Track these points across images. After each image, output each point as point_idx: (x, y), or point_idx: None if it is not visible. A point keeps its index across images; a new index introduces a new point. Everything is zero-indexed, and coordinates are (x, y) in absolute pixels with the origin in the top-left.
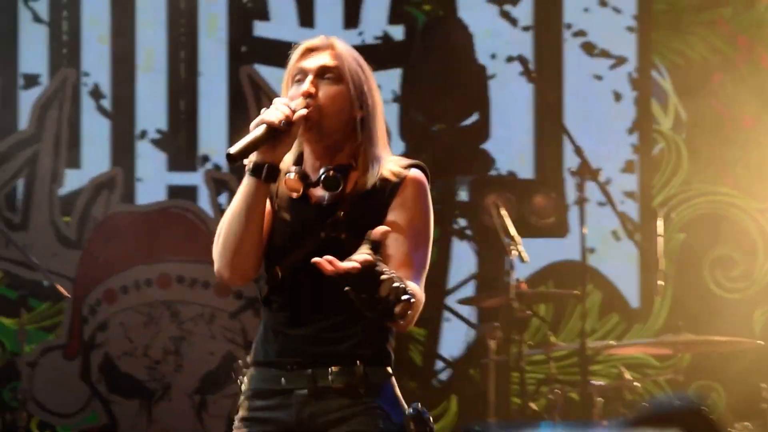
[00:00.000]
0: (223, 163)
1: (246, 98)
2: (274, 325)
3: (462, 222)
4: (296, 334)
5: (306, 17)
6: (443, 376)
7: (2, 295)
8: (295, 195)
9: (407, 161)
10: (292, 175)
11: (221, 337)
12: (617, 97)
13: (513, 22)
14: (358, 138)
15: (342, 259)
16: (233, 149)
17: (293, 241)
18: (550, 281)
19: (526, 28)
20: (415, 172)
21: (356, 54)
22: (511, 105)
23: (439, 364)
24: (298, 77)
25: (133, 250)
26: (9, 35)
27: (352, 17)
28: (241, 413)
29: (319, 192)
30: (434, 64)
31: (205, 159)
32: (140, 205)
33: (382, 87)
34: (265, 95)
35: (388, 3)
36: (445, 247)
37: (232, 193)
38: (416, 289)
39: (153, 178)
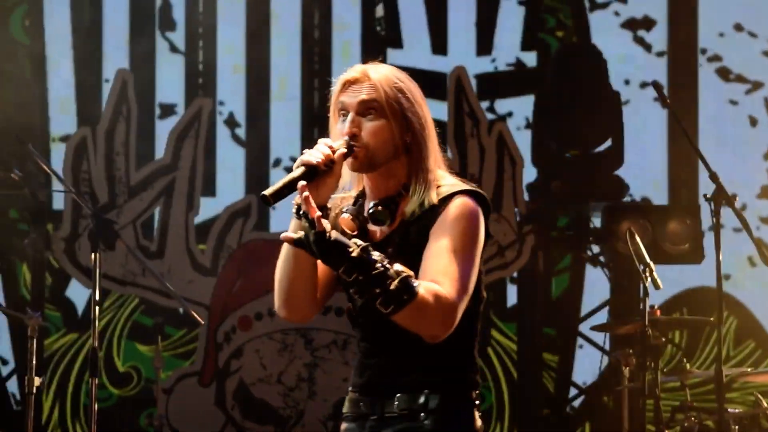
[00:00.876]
0: None
1: None
2: (359, 354)
3: (595, 248)
4: (371, 363)
5: (439, 44)
6: (576, 403)
7: (139, 322)
8: (351, 233)
9: (462, 186)
10: (346, 215)
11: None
12: (753, 122)
13: (647, 47)
14: (406, 167)
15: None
16: (268, 190)
17: None
18: (685, 308)
19: (660, 54)
20: (461, 198)
21: (396, 77)
22: (644, 131)
23: (573, 391)
24: (342, 111)
25: (268, 278)
26: (147, 65)
27: (485, 44)
28: None
29: (374, 227)
30: (567, 91)
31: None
32: (274, 232)
33: (515, 113)
34: None
35: (521, 29)
36: (578, 273)
37: None
38: (430, 289)
39: (287, 206)
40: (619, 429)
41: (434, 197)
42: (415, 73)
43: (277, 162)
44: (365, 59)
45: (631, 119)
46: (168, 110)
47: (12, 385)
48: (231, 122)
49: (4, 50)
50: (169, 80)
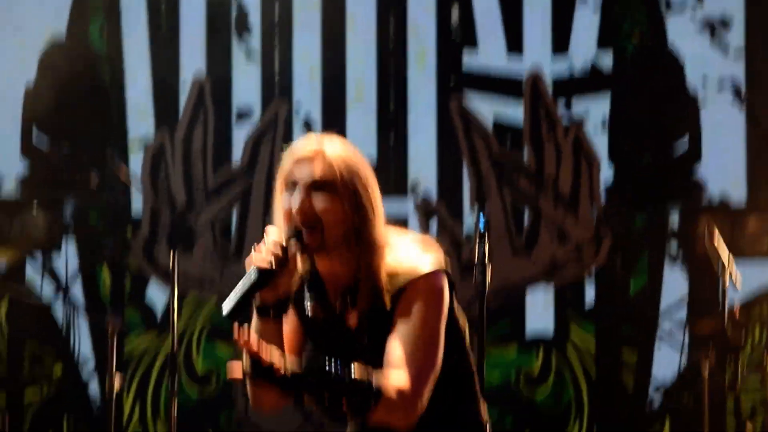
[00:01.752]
0: (433, 192)
1: (455, 129)
2: None
3: (673, 247)
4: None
5: (514, 43)
6: (656, 401)
7: (218, 324)
8: (314, 317)
9: (419, 267)
10: (308, 302)
11: None
12: None
13: (724, 48)
14: (363, 250)
15: None
16: (226, 308)
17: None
18: (765, 305)
19: (737, 53)
20: (423, 281)
21: (351, 159)
22: (722, 131)
23: (652, 389)
24: (291, 184)
25: None
26: (223, 70)
27: (561, 42)
28: None
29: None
30: (644, 91)
31: (414, 189)
32: None
33: (592, 113)
34: (473, 126)
35: (597, 27)
36: (656, 272)
37: (441, 222)
38: (396, 385)
39: None
40: (700, 426)
41: (390, 283)
42: (491, 75)
43: None
44: (441, 62)
45: (708, 119)
46: (245, 114)
47: (93, 386)
48: (307, 126)
49: (84, 59)
50: (246, 85)
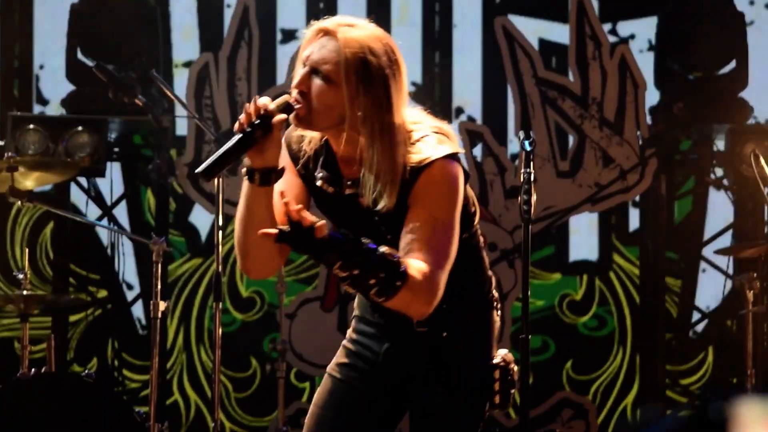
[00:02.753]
0: (477, 114)
1: (500, 50)
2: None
3: (719, 172)
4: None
5: None
6: (699, 327)
7: None
8: (327, 191)
9: (438, 148)
10: (319, 183)
11: None
12: None
13: None
14: (368, 138)
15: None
16: (202, 167)
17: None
18: None
19: None
20: (440, 163)
21: (369, 47)
22: None
23: (696, 316)
24: (303, 61)
25: None
26: None
27: None
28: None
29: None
30: (691, 12)
31: (459, 111)
32: None
33: (637, 35)
34: (519, 46)
35: None
36: (701, 197)
37: (486, 145)
38: (417, 268)
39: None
40: (743, 353)
41: (406, 166)
42: None
43: None
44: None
45: (755, 40)
46: (289, 35)
47: (137, 310)
48: None
49: None
50: (291, 5)
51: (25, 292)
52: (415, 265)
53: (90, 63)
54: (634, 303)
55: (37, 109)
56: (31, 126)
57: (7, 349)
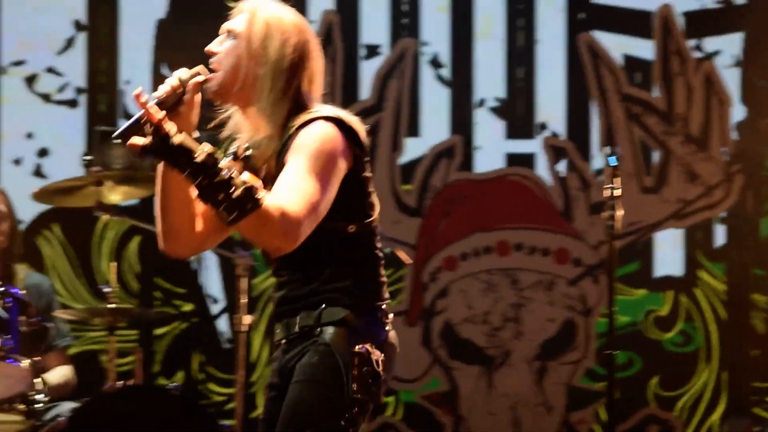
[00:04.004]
0: (561, 130)
1: (584, 65)
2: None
3: None
4: (278, 294)
5: None
6: None
7: None
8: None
9: (311, 115)
10: (227, 158)
11: (560, 304)
12: None
13: None
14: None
15: None
16: (116, 132)
17: None
18: None
19: None
20: (315, 123)
21: (275, 15)
22: None
23: None
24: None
25: (472, 218)
26: (351, 7)
27: None
28: None
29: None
30: None
31: (543, 126)
32: (478, 173)
33: (723, 51)
34: (603, 63)
35: None
36: None
37: (570, 160)
38: (275, 203)
39: (491, 146)
40: None
41: (288, 128)
42: (621, 12)
43: (482, 102)
44: None
45: None
46: (372, 51)
47: (222, 324)
48: (435, 62)
49: None
50: (374, 21)
51: (111, 306)
52: (273, 200)
53: None
54: (720, 319)
55: (123, 123)
56: (117, 141)
57: (94, 362)
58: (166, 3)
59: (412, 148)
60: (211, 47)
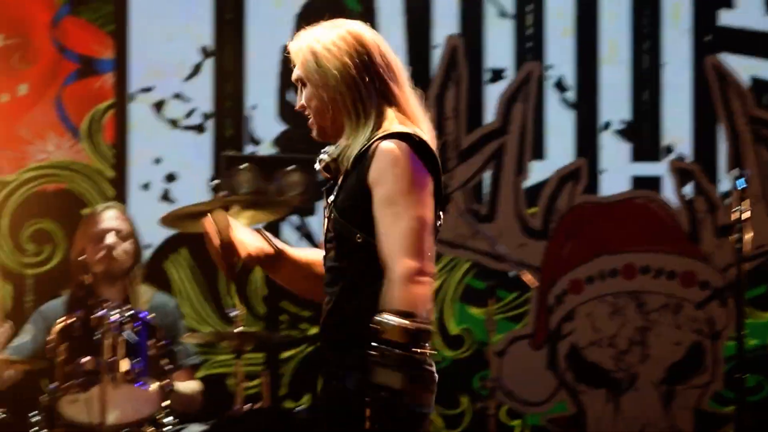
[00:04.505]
0: (688, 152)
1: (711, 88)
2: None
3: None
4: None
5: None
6: None
7: (470, 285)
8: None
9: (388, 131)
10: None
11: (687, 327)
12: None
13: None
14: (341, 119)
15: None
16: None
17: None
18: None
19: None
20: (383, 144)
21: (313, 39)
22: None
23: None
24: None
25: (598, 241)
26: (476, 31)
27: None
28: None
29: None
30: None
31: (669, 149)
32: (604, 196)
33: None
34: (730, 85)
35: None
36: None
37: (697, 183)
38: (390, 276)
39: (617, 169)
40: None
41: (359, 146)
42: (748, 35)
43: (607, 125)
44: (696, 20)
45: None
46: (497, 75)
47: None
48: (560, 86)
49: (338, 17)
50: (499, 45)
51: (238, 330)
52: (389, 277)
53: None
54: None
55: (249, 148)
56: (244, 165)
57: (222, 386)
58: (292, 28)
59: (538, 171)
60: (299, 102)
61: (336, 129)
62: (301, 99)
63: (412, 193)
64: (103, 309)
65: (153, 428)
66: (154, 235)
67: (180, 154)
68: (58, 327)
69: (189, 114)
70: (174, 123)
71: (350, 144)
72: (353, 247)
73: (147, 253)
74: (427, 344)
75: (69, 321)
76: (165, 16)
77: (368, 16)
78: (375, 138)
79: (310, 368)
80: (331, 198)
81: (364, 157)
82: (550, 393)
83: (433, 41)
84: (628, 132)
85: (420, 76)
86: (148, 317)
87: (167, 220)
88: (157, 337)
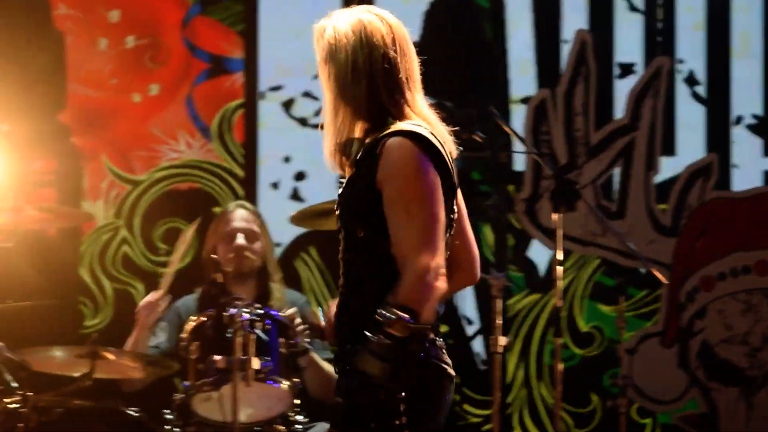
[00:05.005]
0: None
1: None
2: None
3: None
4: None
5: None
6: None
7: (601, 283)
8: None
9: (396, 128)
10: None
11: None
12: None
13: None
14: (358, 114)
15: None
16: None
17: None
18: None
19: None
20: (392, 138)
21: (333, 28)
22: None
23: None
24: None
25: (730, 238)
26: (605, 26)
27: None
28: None
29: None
30: None
31: None
32: (736, 191)
33: None
34: None
35: None
36: None
37: None
38: (410, 282)
39: (748, 164)
40: None
41: (368, 139)
42: None
43: (739, 120)
44: None
45: None
46: (627, 70)
47: (477, 345)
48: (691, 80)
49: (467, 13)
50: (628, 40)
51: None
52: (406, 283)
53: (429, 100)
54: None
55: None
56: None
57: None
58: (420, 25)
59: (668, 167)
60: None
61: (346, 127)
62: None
63: (423, 191)
64: (235, 307)
65: (284, 427)
66: (284, 234)
67: (309, 152)
68: (190, 326)
69: (318, 112)
70: (303, 121)
71: (359, 139)
72: (357, 241)
73: (277, 252)
74: (425, 344)
75: (201, 320)
76: (294, 14)
77: (497, 11)
78: (383, 135)
79: None
80: (340, 191)
81: (372, 154)
82: (681, 391)
83: (562, 36)
84: (760, 127)
85: (549, 72)
86: (279, 315)
87: (297, 219)
88: (288, 336)
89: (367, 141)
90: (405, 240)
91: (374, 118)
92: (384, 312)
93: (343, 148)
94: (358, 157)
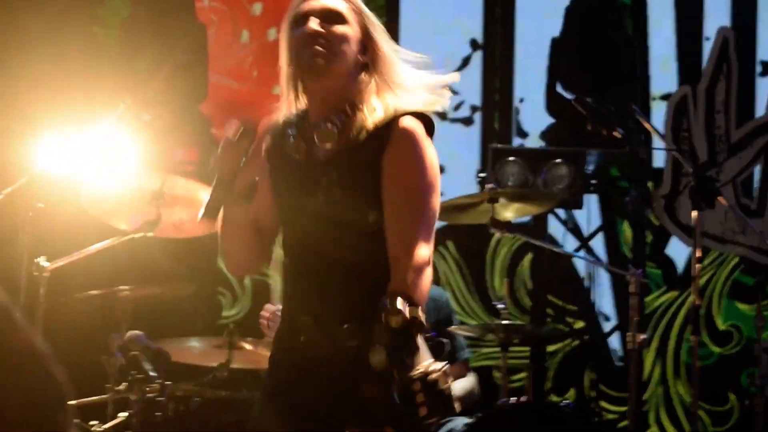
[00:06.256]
0: None
1: None
2: None
3: None
4: None
5: None
6: None
7: (739, 281)
8: (297, 157)
9: (405, 109)
10: (291, 140)
11: None
12: None
13: None
14: (359, 85)
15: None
16: (200, 215)
17: (299, 204)
18: None
19: None
20: (406, 122)
21: None
22: None
23: None
24: (299, 20)
25: None
26: (748, 23)
27: None
28: None
29: (320, 147)
30: None
31: None
32: None
33: None
34: None
35: None
36: None
37: None
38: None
39: None
40: None
41: (378, 119)
42: None
43: None
44: None
45: None
46: None
47: (614, 342)
48: None
49: (609, 10)
50: None
51: (504, 322)
52: (393, 282)
53: (569, 96)
54: None
55: (516, 141)
56: (511, 158)
57: (487, 378)
58: (561, 22)
59: None
60: (318, 28)
61: (335, 84)
62: (323, 27)
63: (433, 185)
64: None
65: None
66: None
67: (448, 146)
68: None
69: (458, 107)
70: (443, 116)
71: (364, 116)
72: (364, 228)
73: None
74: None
75: None
76: (435, 10)
77: (639, 8)
78: (393, 115)
79: (576, 362)
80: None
81: (381, 134)
82: None
83: (704, 33)
84: None
85: (690, 69)
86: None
87: None
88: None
89: (368, 122)
90: (410, 231)
91: (383, 92)
92: (391, 301)
93: (324, 133)
94: (362, 138)
